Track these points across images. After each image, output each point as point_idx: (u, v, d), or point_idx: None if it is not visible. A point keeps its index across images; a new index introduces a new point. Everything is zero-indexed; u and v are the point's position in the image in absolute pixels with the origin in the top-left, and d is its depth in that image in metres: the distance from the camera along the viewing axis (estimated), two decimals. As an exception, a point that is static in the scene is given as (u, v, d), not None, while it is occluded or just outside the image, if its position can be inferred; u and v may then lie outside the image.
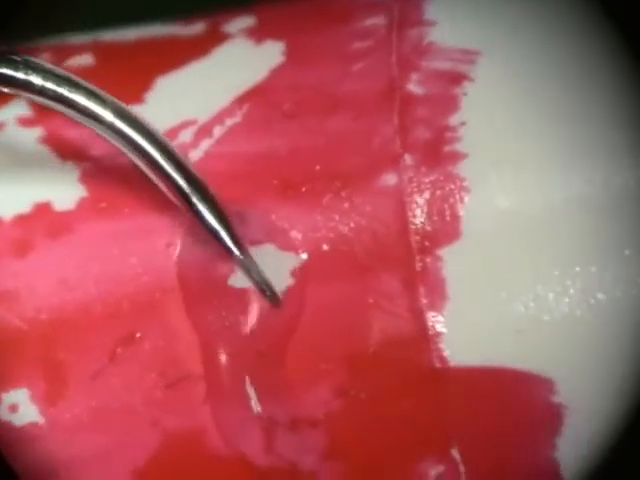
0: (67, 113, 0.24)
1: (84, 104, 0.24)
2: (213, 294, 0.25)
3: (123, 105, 0.24)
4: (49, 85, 0.24)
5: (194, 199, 0.24)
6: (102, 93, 0.24)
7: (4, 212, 0.26)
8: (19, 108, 0.27)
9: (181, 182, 0.24)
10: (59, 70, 0.24)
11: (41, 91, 0.24)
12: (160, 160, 0.24)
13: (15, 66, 0.24)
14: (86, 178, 0.26)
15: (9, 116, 0.27)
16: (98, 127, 0.24)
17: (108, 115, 0.24)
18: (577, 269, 0.24)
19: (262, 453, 0.24)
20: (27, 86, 0.24)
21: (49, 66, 0.24)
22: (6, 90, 0.24)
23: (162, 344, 0.25)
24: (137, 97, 0.27)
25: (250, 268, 0.24)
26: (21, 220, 0.26)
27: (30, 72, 0.24)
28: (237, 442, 0.24)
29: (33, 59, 0.24)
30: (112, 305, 0.25)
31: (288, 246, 0.24)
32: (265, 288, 0.24)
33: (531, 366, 0.24)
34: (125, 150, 0.24)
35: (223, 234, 0.24)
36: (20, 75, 0.24)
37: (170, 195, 0.24)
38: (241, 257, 0.24)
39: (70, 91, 0.24)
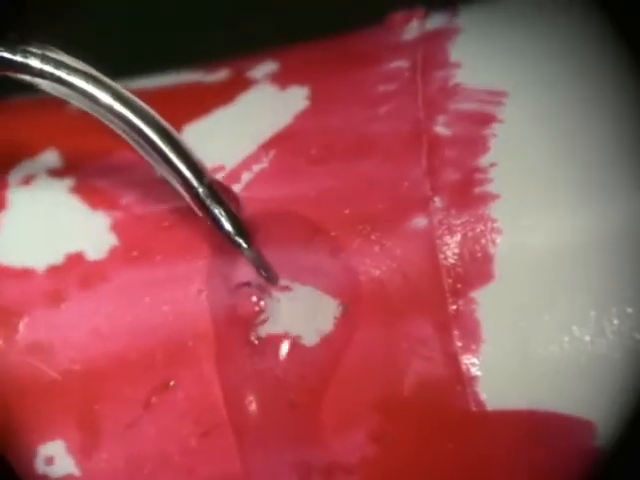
0: (66, 96, 0.23)
1: (82, 87, 0.23)
2: (243, 341, 0.23)
3: (121, 88, 0.23)
4: (47, 68, 0.23)
5: (197, 189, 0.23)
6: (100, 76, 0.23)
7: (37, 264, 0.25)
8: (49, 159, 0.26)
9: (183, 170, 0.23)
10: (57, 53, 0.23)
11: (40, 74, 0.23)
12: (163, 148, 0.23)
13: (13, 49, 0.22)
14: (117, 227, 0.25)
15: (39, 167, 0.26)
16: (96, 109, 0.23)
17: (106, 98, 0.23)
18: (613, 309, 0.23)
19: (299, 501, 0.23)
20: (26, 69, 0.23)
21: (47, 49, 0.23)
22: (6, 73, 0.22)
23: (196, 392, 0.23)
24: None
25: (255, 260, 0.23)
26: (54, 271, 0.24)
27: (28, 55, 0.23)
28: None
29: (31, 42, 0.23)
30: (146, 354, 0.24)
31: (328, 291, 0.23)
32: (271, 282, 0.23)
33: (571, 409, 0.22)
34: (123, 133, 0.23)
35: (227, 225, 0.23)
36: (18, 58, 0.23)
37: (172, 184, 0.23)
38: (246, 248, 0.23)
39: (68, 74, 0.23)
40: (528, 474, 0.23)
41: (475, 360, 0.23)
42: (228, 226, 0.23)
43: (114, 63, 0.26)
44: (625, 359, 0.22)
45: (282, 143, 0.25)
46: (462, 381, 0.23)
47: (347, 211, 0.24)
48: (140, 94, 0.27)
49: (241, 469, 0.23)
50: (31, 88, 0.27)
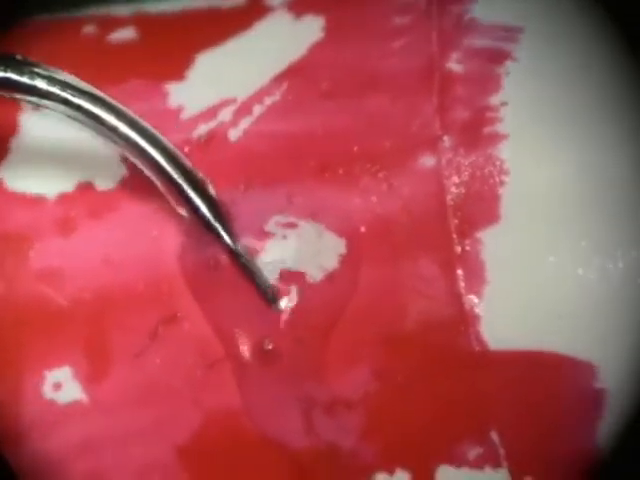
0: (72, 117, 0.22)
1: (88, 108, 0.22)
2: (242, 280, 0.23)
3: (127, 109, 0.23)
4: (54, 90, 0.22)
5: (190, 195, 0.23)
6: (106, 97, 0.22)
7: (48, 191, 0.24)
8: None
9: (178, 179, 0.23)
10: (63, 75, 0.22)
11: (46, 96, 0.22)
12: (165, 165, 0.23)
13: (20, 71, 0.22)
14: (127, 157, 0.24)
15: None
16: (102, 131, 0.22)
17: (112, 119, 0.22)
18: (618, 253, 0.22)
19: (301, 434, 0.23)
20: (32, 90, 0.22)
21: (53, 71, 0.22)
22: (12, 95, 0.22)
23: (201, 324, 0.23)
24: (178, 74, 0.25)
25: (245, 259, 0.23)
26: (65, 199, 0.24)
27: (35, 77, 0.22)
28: (276, 423, 0.23)
29: (37, 64, 0.22)
30: (153, 285, 0.23)
31: (334, 228, 0.23)
32: (261, 282, 0.23)
33: (573, 350, 0.22)
34: (130, 154, 0.23)
35: (220, 228, 0.23)
36: (25, 80, 0.22)
37: (167, 193, 0.23)
38: (236, 248, 0.23)
39: (74, 95, 0.22)
40: (529, 413, 0.22)
41: (479, 300, 0.22)
42: (221, 229, 0.23)
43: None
44: (628, 302, 0.22)
45: (295, 76, 0.24)
46: (465, 320, 0.22)
47: (355, 148, 0.23)
48: (159, 18, 0.26)
49: (243, 402, 0.23)
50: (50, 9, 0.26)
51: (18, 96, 0.22)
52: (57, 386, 0.23)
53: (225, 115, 0.24)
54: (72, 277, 0.24)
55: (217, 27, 0.26)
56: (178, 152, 0.23)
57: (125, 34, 0.26)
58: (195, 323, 0.23)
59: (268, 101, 0.24)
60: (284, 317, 0.23)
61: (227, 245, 0.23)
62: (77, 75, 0.23)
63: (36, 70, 0.22)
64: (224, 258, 0.23)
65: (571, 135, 0.23)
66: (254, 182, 0.24)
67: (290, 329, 0.23)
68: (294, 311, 0.23)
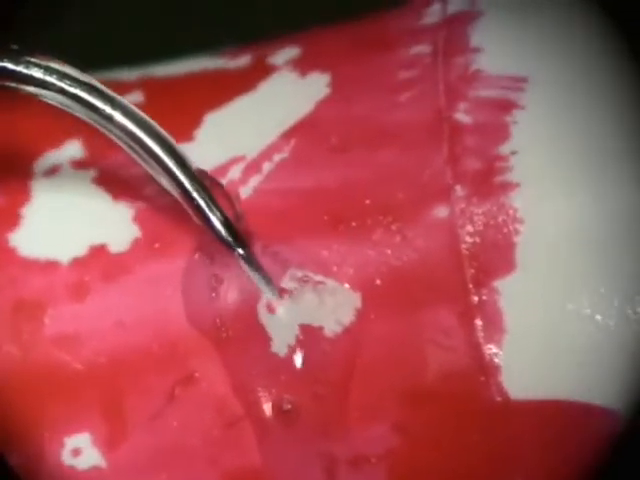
0: (68, 107, 0.22)
1: (85, 98, 0.22)
2: (262, 335, 0.22)
3: (123, 99, 0.22)
4: (50, 79, 0.22)
5: (196, 197, 0.22)
6: (103, 87, 0.22)
7: (61, 256, 0.24)
8: (73, 150, 0.25)
9: (183, 180, 0.22)
10: (60, 64, 0.22)
11: (42, 85, 0.22)
12: (162, 156, 0.22)
13: (16, 60, 0.22)
14: (139, 218, 0.24)
15: (63, 158, 0.25)
16: (98, 120, 0.22)
17: (108, 109, 0.22)
18: (637, 297, 0.22)
19: (324, 492, 0.22)
20: (28, 80, 0.22)
21: (50, 60, 0.22)
22: (8, 84, 0.22)
23: (219, 384, 0.23)
24: (187, 135, 0.25)
25: (251, 264, 0.22)
26: (78, 263, 0.24)
27: (31, 66, 0.22)
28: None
29: (33, 53, 0.22)
30: (169, 345, 0.23)
31: (350, 282, 0.22)
32: (266, 285, 0.22)
33: (595, 398, 0.21)
34: (125, 144, 0.22)
35: (223, 231, 0.22)
36: (21, 69, 0.22)
37: (173, 193, 0.22)
38: (242, 253, 0.22)
39: (71, 85, 0.22)
40: (553, 463, 0.22)
41: (498, 350, 0.22)
42: (223, 231, 0.22)
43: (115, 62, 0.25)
44: None
45: (303, 132, 0.24)
46: (485, 371, 0.22)
47: (368, 201, 0.23)
48: (164, 81, 0.26)
49: (264, 461, 0.22)
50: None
51: (14, 85, 0.22)
52: (76, 452, 0.23)
53: (234, 173, 0.24)
54: (87, 341, 0.23)
55: (223, 88, 0.26)
56: (174, 143, 0.22)
57: (132, 98, 0.26)
58: (212, 383, 0.23)
59: (277, 158, 0.24)
60: (303, 373, 0.23)
61: (229, 244, 0.22)
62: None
63: (32, 60, 0.22)
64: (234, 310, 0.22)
65: (583, 180, 0.22)
66: (267, 239, 0.23)
67: (309, 385, 0.23)
68: (312, 367, 0.23)
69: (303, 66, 0.25)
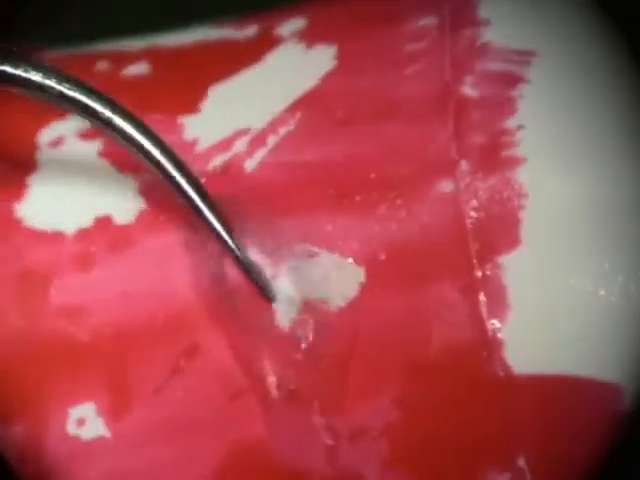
0: (67, 110, 0.22)
1: (83, 101, 0.22)
2: (266, 308, 0.22)
3: (121, 104, 0.22)
4: (49, 83, 0.22)
5: (194, 198, 0.22)
6: (100, 91, 0.22)
7: (67, 227, 0.24)
8: (78, 122, 0.25)
9: (181, 182, 0.22)
10: (58, 68, 0.22)
11: (41, 88, 0.22)
12: (160, 159, 0.22)
13: (15, 64, 0.22)
14: (145, 190, 0.24)
15: (68, 130, 0.25)
16: (97, 124, 0.22)
17: (107, 112, 0.22)
18: None
19: (326, 464, 0.22)
20: (27, 83, 0.22)
21: (49, 64, 0.22)
22: (7, 88, 0.22)
23: (225, 355, 0.23)
24: (192, 107, 0.25)
25: (249, 266, 0.22)
26: (83, 234, 0.24)
27: (30, 70, 0.22)
28: (300, 454, 0.22)
29: (32, 57, 0.22)
30: (173, 317, 0.23)
31: (354, 256, 0.22)
32: (263, 287, 0.22)
33: (597, 373, 0.21)
34: (122, 145, 0.22)
35: (223, 233, 0.22)
36: (20, 73, 0.22)
37: (172, 194, 0.22)
38: (240, 255, 0.22)
39: (69, 88, 0.22)
40: (555, 438, 0.22)
41: (501, 325, 0.22)
42: (225, 234, 0.22)
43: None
44: None
45: (309, 105, 0.24)
46: (488, 346, 0.22)
47: (373, 175, 0.23)
48: (171, 51, 0.26)
49: (268, 433, 0.22)
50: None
51: (13, 89, 0.22)
52: (81, 422, 0.23)
53: (240, 146, 0.24)
54: (92, 312, 0.23)
55: (229, 59, 0.25)
56: (172, 147, 0.22)
57: (138, 69, 0.26)
58: (216, 355, 0.23)
59: (283, 131, 0.24)
60: (306, 346, 0.23)
61: (228, 246, 0.22)
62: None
63: (31, 63, 0.22)
64: (238, 283, 0.22)
65: (589, 156, 0.22)
66: (272, 212, 0.23)
67: (312, 359, 0.22)
68: (315, 340, 0.23)
69: (309, 38, 0.25)
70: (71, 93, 0.22)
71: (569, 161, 0.22)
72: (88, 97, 0.22)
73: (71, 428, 0.23)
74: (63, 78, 0.22)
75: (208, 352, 0.23)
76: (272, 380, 0.23)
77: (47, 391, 0.23)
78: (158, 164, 0.22)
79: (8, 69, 0.22)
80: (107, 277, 0.23)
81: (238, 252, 0.22)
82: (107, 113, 0.22)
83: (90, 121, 0.22)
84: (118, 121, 0.22)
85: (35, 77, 0.22)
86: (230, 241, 0.22)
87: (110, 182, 0.24)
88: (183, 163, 0.22)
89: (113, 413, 0.23)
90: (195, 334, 0.23)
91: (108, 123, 0.22)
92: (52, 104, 0.22)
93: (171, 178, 0.22)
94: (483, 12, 0.24)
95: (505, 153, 0.22)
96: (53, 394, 0.23)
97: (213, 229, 0.22)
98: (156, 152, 0.22)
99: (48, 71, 0.22)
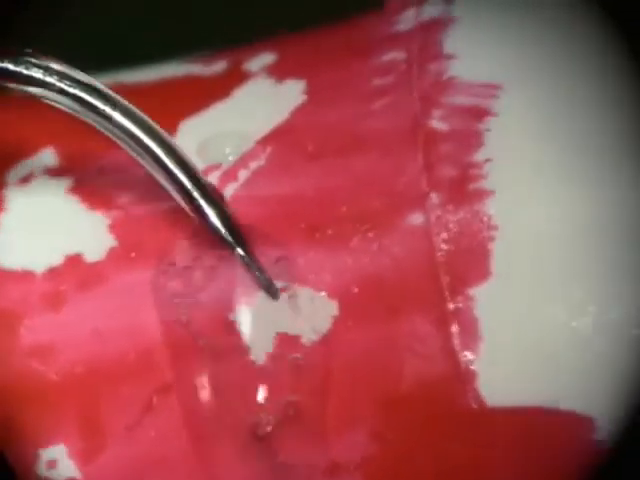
0: (68, 107, 0.22)
1: (84, 98, 0.22)
2: (239, 344, 0.22)
3: (122, 99, 0.22)
4: (50, 79, 0.22)
5: (196, 196, 0.22)
6: (102, 87, 0.22)
7: (36, 266, 0.24)
8: (47, 158, 0.25)
9: (183, 180, 0.22)
10: (60, 64, 0.22)
11: (42, 85, 0.22)
12: (162, 156, 0.22)
13: (16, 61, 0.22)
14: (115, 228, 0.24)
15: (37, 167, 0.25)
16: (98, 121, 0.22)
17: (108, 109, 0.22)
18: (611, 303, 0.22)
19: (302, 500, 0.22)
20: (28, 80, 0.22)
21: (50, 60, 0.22)
22: (8, 84, 0.22)
23: (195, 395, 0.22)
24: None
25: (251, 265, 0.22)
26: (53, 273, 0.23)
27: (31, 67, 0.22)
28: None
29: (33, 54, 0.22)
30: (145, 355, 0.23)
31: (326, 290, 0.22)
32: (267, 286, 0.22)
33: (571, 405, 0.21)
34: (125, 144, 0.22)
35: (225, 232, 0.22)
36: (22, 70, 0.22)
37: (172, 193, 0.22)
38: (243, 254, 0.22)
39: (70, 85, 0.22)
40: (529, 470, 0.22)
41: (474, 357, 0.22)
42: (222, 229, 0.22)
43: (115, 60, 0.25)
44: (624, 355, 0.21)
45: (279, 139, 0.24)
46: (462, 378, 0.21)
47: (344, 209, 0.23)
48: (139, 88, 0.26)
49: (243, 472, 0.22)
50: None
51: (14, 86, 0.22)
52: (51, 464, 0.23)
53: (212, 181, 0.24)
54: (63, 351, 0.23)
55: (199, 94, 0.25)
56: (174, 143, 0.22)
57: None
58: (189, 392, 0.22)
59: (254, 165, 0.24)
60: (280, 381, 0.22)
61: (230, 245, 0.22)
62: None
63: (32, 60, 0.22)
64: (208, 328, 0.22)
65: (555, 187, 0.22)
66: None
67: (286, 393, 0.22)
68: (290, 376, 0.22)
69: (279, 72, 0.25)
70: (72, 90, 0.22)
71: (537, 193, 0.22)
72: (89, 93, 0.22)
73: (42, 470, 0.22)
74: (64, 75, 0.22)
75: (180, 390, 0.22)
76: (245, 418, 0.22)
77: (19, 432, 0.22)
78: (159, 160, 0.22)
79: (10, 66, 0.22)
80: (78, 315, 0.23)
81: (241, 250, 0.22)
82: (108, 110, 0.22)
83: (91, 118, 0.22)
84: (119, 118, 0.22)
85: (36, 74, 0.22)
86: (231, 239, 0.22)
87: (80, 220, 0.24)
88: (185, 160, 0.22)
89: (84, 454, 0.22)
90: (166, 372, 0.23)
91: (109, 119, 0.22)
92: (53, 101, 0.22)
93: (172, 175, 0.22)
94: (449, 46, 0.24)
95: (474, 186, 0.22)
96: (24, 435, 0.22)
97: (213, 229, 0.22)
98: (157, 149, 0.22)
99: (49, 68, 0.22)
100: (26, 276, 0.23)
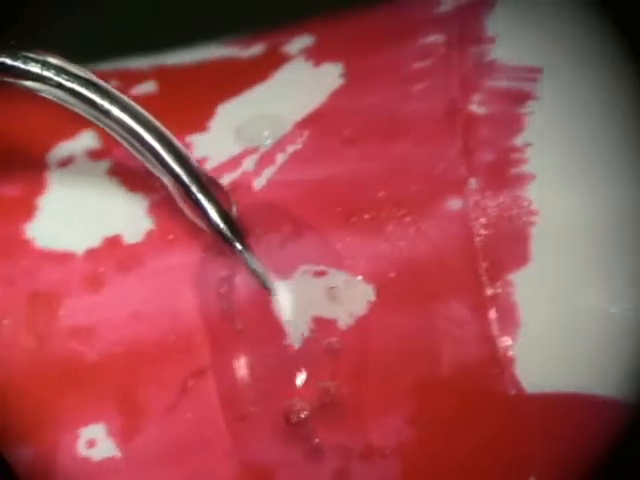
0: (66, 101, 0.22)
1: (82, 92, 0.22)
2: (276, 327, 0.22)
3: (120, 94, 0.22)
4: (48, 74, 0.22)
5: (194, 192, 0.22)
6: (100, 82, 0.22)
7: (76, 247, 0.24)
8: (87, 140, 0.25)
9: (181, 174, 0.22)
10: (58, 59, 0.22)
11: (40, 80, 0.22)
12: (160, 151, 0.22)
13: (14, 55, 0.22)
14: (154, 210, 0.24)
15: (78, 148, 0.25)
16: (96, 115, 0.22)
17: (105, 103, 0.22)
18: None
19: (337, 484, 0.22)
20: (26, 75, 0.22)
21: (48, 55, 0.22)
22: (6, 79, 0.22)
23: (233, 376, 0.22)
24: (201, 125, 0.25)
25: (250, 262, 0.22)
26: (92, 254, 0.23)
27: (29, 61, 0.22)
28: (310, 475, 0.22)
29: (32, 49, 0.22)
30: (183, 337, 0.23)
31: (363, 275, 0.22)
32: (265, 283, 0.22)
33: (609, 391, 0.21)
34: (123, 139, 0.22)
35: (223, 227, 0.22)
36: (19, 64, 0.22)
37: (171, 188, 0.22)
38: (241, 250, 0.22)
39: (68, 80, 0.22)
40: (566, 457, 0.22)
41: (512, 343, 0.21)
42: (220, 223, 0.22)
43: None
44: None
45: (316, 123, 0.24)
46: (499, 364, 0.21)
47: (381, 193, 0.22)
48: (178, 70, 0.26)
49: (279, 454, 0.22)
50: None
51: (12, 80, 0.22)
52: (91, 443, 0.23)
53: (248, 165, 0.24)
54: (103, 333, 0.23)
55: (237, 77, 0.25)
56: (173, 138, 0.22)
57: (146, 88, 0.26)
58: (225, 375, 0.23)
59: (291, 149, 0.24)
60: (317, 366, 0.22)
61: (229, 240, 0.22)
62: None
63: (30, 55, 0.22)
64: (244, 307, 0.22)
65: (599, 171, 0.22)
66: (280, 231, 0.23)
67: (323, 378, 0.22)
68: (326, 360, 0.22)
69: (317, 55, 0.25)
70: (69, 84, 0.22)
71: (578, 177, 0.22)
72: (87, 88, 0.22)
73: (82, 449, 0.23)
74: (62, 69, 0.22)
75: (216, 373, 0.22)
76: (281, 402, 0.22)
77: (58, 412, 0.23)
78: (157, 155, 0.22)
79: (7, 61, 0.22)
80: (117, 297, 0.23)
81: (239, 245, 0.22)
82: (106, 104, 0.22)
83: (89, 112, 0.22)
84: (117, 112, 0.22)
85: (34, 68, 0.22)
86: (229, 234, 0.22)
87: (119, 201, 0.24)
88: (184, 155, 0.22)
89: (124, 433, 0.22)
90: (204, 354, 0.23)
91: (107, 114, 0.22)
92: (51, 95, 0.22)
93: (170, 170, 0.22)
94: (490, 29, 0.24)
95: (514, 170, 0.22)
96: (64, 415, 0.23)
97: (212, 224, 0.22)
98: (155, 143, 0.22)
99: (47, 62, 0.22)
100: (66, 257, 0.24)
